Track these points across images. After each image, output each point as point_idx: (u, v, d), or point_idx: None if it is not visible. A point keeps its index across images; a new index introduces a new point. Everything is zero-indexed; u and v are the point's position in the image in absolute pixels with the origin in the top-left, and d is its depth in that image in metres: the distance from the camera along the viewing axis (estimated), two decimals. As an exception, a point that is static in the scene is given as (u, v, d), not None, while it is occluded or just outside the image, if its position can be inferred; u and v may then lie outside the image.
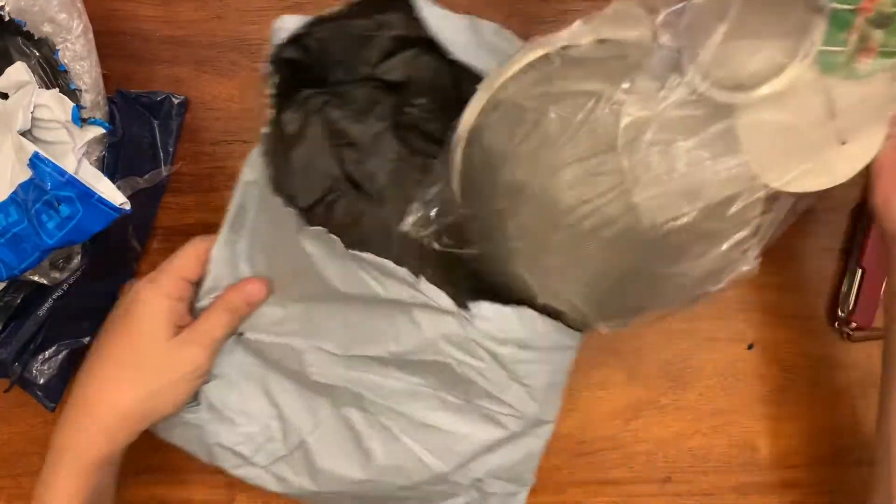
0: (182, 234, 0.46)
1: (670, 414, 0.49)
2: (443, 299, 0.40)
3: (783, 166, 0.34)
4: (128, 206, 0.39)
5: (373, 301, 0.40)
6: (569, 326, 0.41)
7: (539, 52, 0.38)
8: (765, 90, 0.33)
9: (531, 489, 0.48)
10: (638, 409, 0.49)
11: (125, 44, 0.48)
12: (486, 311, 0.40)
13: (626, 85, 0.34)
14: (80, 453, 0.39)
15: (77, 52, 0.40)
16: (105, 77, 0.43)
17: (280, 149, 0.45)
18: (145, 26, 0.49)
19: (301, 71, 0.43)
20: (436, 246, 0.40)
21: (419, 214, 0.40)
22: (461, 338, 0.40)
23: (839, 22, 0.32)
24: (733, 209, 0.34)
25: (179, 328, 0.41)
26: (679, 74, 0.34)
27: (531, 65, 0.38)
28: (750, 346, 0.49)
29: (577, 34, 0.36)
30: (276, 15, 0.48)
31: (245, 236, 0.43)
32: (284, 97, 0.44)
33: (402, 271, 0.39)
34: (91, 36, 0.41)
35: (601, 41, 0.36)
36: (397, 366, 0.42)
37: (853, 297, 0.48)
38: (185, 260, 0.42)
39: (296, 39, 0.40)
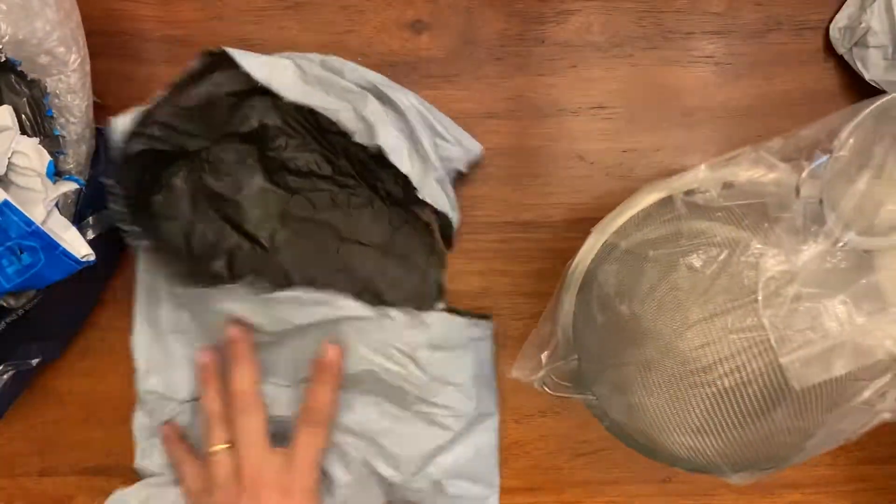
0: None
1: (670, 414, 0.49)
2: (360, 308, 0.42)
3: None
4: (92, 258, 0.39)
5: (300, 331, 0.42)
6: (691, 471, 0.39)
7: (658, 196, 0.36)
8: None
9: (531, 489, 0.48)
10: (638, 409, 0.49)
11: (125, 44, 0.48)
12: (398, 316, 0.42)
13: (763, 235, 0.32)
14: None
15: (71, 85, 0.40)
16: (97, 106, 0.43)
17: (160, 231, 0.47)
18: (145, 26, 0.49)
19: (161, 153, 0.44)
20: (547, 391, 0.39)
21: (529, 358, 0.39)
22: (380, 342, 0.42)
23: None
24: (878, 357, 0.32)
25: None
26: (820, 224, 0.32)
27: (651, 210, 0.36)
28: (750, 347, 0.49)
29: (704, 179, 0.34)
30: (276, 15, 0.49)
31: (163, 311, 0.46)
32: (150, 183, 0.46)
33: (316, 295, 0.41)
34: (88, 69, 0.41)
35: (728, 186, 0.34)
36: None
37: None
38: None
39: (138, 133, 0.41)
